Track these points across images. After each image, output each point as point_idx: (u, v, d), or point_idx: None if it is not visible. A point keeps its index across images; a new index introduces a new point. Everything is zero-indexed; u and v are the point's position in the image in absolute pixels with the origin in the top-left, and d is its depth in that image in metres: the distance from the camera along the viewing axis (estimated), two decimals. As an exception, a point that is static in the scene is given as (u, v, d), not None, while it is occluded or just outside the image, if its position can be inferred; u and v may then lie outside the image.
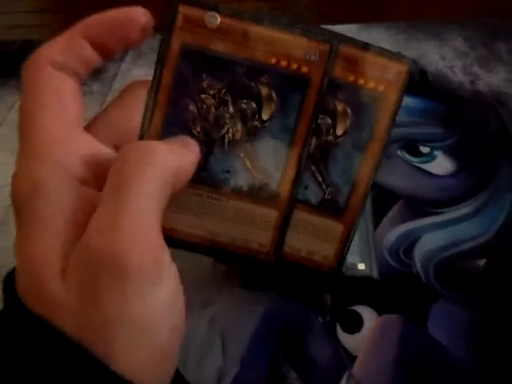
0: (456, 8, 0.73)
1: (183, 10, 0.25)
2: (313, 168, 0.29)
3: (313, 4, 0.81)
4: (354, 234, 0.30)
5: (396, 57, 0.27)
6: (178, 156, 0.24)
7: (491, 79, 0.62)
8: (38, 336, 0.20)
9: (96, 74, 0.67)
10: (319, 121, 0.28)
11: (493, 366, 0.41)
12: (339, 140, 0.28)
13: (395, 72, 0.27)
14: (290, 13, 0.78)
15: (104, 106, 0.26)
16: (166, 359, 0.22)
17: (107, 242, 0.20)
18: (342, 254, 0.30)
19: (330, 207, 0.29)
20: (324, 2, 0.79)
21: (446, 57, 0.64)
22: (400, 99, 0.27)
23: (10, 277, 0.22)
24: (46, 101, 0.23)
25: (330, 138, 0.28)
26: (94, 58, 0.25)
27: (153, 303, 0.21)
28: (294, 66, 0.26)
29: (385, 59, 0.27)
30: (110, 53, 0.25)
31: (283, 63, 0.26)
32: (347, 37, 0.26)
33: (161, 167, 0.22)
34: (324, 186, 0.29)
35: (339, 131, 0.28)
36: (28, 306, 0.21)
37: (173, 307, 0.22)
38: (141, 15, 0.24)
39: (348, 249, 0.30)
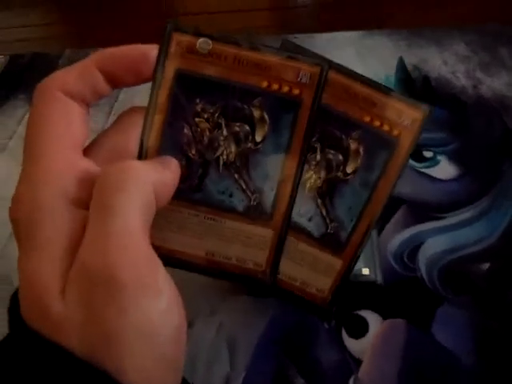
0: (457, 15, 0.73)
1: (177, 37, 0.25)
2: (319, 201, 0.29)
3: (315, 12, 0.81)
4: (353, 270, 0.30)
5: (413, 103, 0.27)
6: (157, 172, 0.24)
7: (494, 84, 0.62)
8: (47, 357, 0.21)
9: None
10: (330, 156, 0.28)
11: (498, 369, 0.41)
12: (348, 177, 0.28)
13: (411, 118, 0.27)
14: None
15: (101, 131, 0.26)
16: (171, 366, 0.23)
17: (99, 260, 0.21)
18: (337, 289, 0.30)
19: (331, 242, 0.29)
20: (326, 10, 0.79)
21: (448, 62, 0.65)
22: (413, 144, 0.28)
23: (15, 298, 0.22)
24: (54, 126, 0.24)
25: (340, 174, 0.28)
26: (105, 88, 0.25)
27: (152, 313, 0.21)
28: (286, 89, 0.26)
29: (402, 105, 0.27)
30: (122, 85, 0.26)
31: (275, 86, 0.26)
32: (340, 65, 0.27)
33: (141, 184, 0.23)
34: (328, 220, 0.29)
35: (349, 169, 0.28)
36: (33, 327, 0.21)
37: (172, 314, 0.23)
38: (154, 52, 0.25)
39: (344, 285, 0.30)
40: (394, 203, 0.53)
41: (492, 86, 0.61)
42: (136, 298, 0.21)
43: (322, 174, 0.28)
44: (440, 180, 0.54)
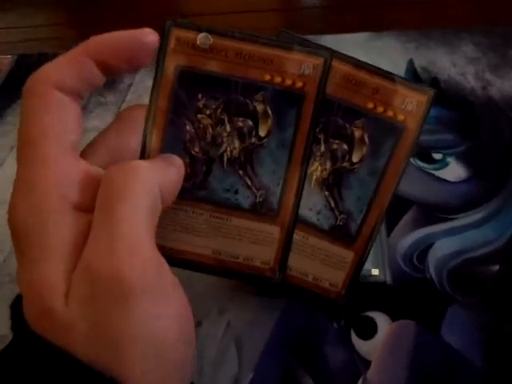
0: (467, 17, 0.73)
1: (176, 32, 0.25)
2: (326, 193, 0.28)
3: (323, 14, 0.81)
4: (365, 262, 0.29)
5: (417, 87, 0.27)
6: (161, 171, 0.24)
7: (503, 85, 0.62)
8: (52, 362, 0.20)
9: (110, 84, 0.68)
10: (335, 146, 0.28)
11: (508, 371, 0.41)
12: (355, 167, 0.28)
13: (415, 103, 0.27)
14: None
15: (100, 131, 0.26)
16: (180, 374, 0.23)
17: (105, 263, 0.20)
18: (351, 283, 0.30)
19: (341, 234, 0.29)
20: (334, 12, 0.79)
21: (457, 64, 0.64)
22: (420, 129, 0.27)
23: (17, 303, 0.22)
24: (49, 126, 0.22)
25: (346, 164, 0.28)
26: (98, 78, 0.24)
27: (159, 318, 0.21)
28: (289, 82, 0.26)
29: (406, 89, 0.27)
30: (116, 73, 0.25)
31: (277, 79, 0.26)
32: (340, 53, 0.27)
33: (147, 184, 0.22)
34: (336, 212, 0.29)
35: (355, 158, 0.28)
36: (38, 332, 0.21)
37: (180, 319, 0.22)
38: (149, 36, 0.24)
39: (358, 277, 0.29)
40: (403, 205, 0.52)
41: (501, 88, 0.61)
42: (142, 302, 0.20)
43: (328, 164, 0.28)
44: (449, 182, 0.54)
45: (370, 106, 0.27)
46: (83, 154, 0.24)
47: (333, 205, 0.29)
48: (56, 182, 0.22)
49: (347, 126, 0.28)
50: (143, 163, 0.23)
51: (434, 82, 0.63)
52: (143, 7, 0.84)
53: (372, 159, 0.28)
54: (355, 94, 0.27)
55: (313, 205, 0.28)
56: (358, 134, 0.28)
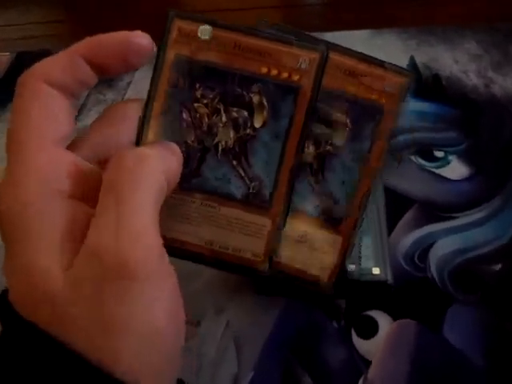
0: (470, 14, 0.72)
1: (178, 23, 0.26)
2: (311, 179, 0.29)
3: (323, 11, 0.81)
4: (353, 245, 0.29)
5: (396, 69, 0.28)
6: (166, 159, 0.24)
7: (506, 83, 0.61)
8: (44, 351, 0.20)
9: (110, 82, 0.68)
10: (318, 131, 0.28)
11: (509, 369, 0.41)
12: (338, 151, 0.28)
13: (394, 84, 0.28)
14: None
15: (87, 126, 0.26)
16: (169, 365, 0.23)
17: (113, 248, 0.20)
18: (340, 266, 0.30)
19: (328, 218, 0.29)
20: (333, 9, 0.79)
21: (459, 61, 0.64)
22: (399, 111, 0.28)
23: (3, 296, 0.22)
24: (36, 120, 0.23)
25: (329, 148, 0.28)
26: (91, 78, 0.25)
27: (155, 306, 0.21)
28: (285, 75, 0.26)
29: (385, 72, 0.27)
30: (108, 74, 0.25)
31: (274, 72, 0.26)
32: (338, 45, 0.27)
33: (155, 172, 0.22)
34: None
35: (338, 142, 0.28)
36: (30, 318, 0.21)
37: (172, 310, 0.22)
38: (142, 39, 0.24)
39: (345, 260, 0.30)
40: (405, 203, 0.52)
41: (504, 85, 0.61)
42: (142, 288, 0.21)
43: (311, 149, 0.28)
44: (451, 180, 0.54)
45: (351, 89, 0.28)
46: (71, 147, 0.25)
47: (318, 190, 0.29)
48: (42, 172, 0.22)
49: (328, 110, 0.28)
50: (151, 151, 0.23)
51: (436, 78, 0.62)
52: (143, 5, 0.84)
53: (355, 142, 0.28)
54: (335, 78, 0.27)
55: (300, 189, 0.29)
56: (339, 118, 0.28)
